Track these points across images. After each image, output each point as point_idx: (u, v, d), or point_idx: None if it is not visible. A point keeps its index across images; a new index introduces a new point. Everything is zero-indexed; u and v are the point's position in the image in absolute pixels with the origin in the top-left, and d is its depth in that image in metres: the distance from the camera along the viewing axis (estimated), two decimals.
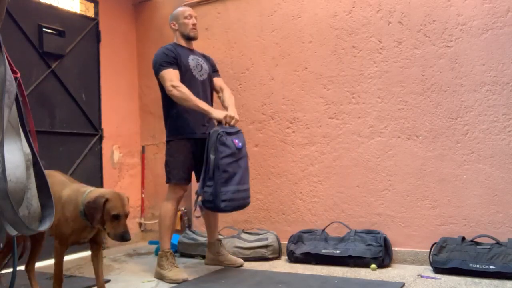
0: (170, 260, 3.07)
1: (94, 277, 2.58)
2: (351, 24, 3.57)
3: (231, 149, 2.98)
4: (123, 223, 2.32)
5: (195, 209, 3.14)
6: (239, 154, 3.03)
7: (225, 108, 3.25)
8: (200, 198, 3.02)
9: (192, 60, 3.26)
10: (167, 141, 3.24)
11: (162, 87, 3.18)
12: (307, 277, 2.97)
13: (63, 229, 2.39)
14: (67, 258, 3.71)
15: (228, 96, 3.34)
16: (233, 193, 2.96)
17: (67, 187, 2.46)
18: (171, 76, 3.09)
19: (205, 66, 3.35)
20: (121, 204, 2.32)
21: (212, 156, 2.96)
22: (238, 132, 3.12)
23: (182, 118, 3.17)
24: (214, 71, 3.46)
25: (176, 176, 3.16)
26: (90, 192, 2.39)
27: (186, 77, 3.17)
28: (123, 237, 2.29)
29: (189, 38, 3.33)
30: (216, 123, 3.14)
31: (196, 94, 3.14)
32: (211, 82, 3.37)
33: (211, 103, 3.35)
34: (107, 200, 2.30)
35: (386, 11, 3.45)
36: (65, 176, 2.68)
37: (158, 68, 3.14)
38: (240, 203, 3.06)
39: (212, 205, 2.97)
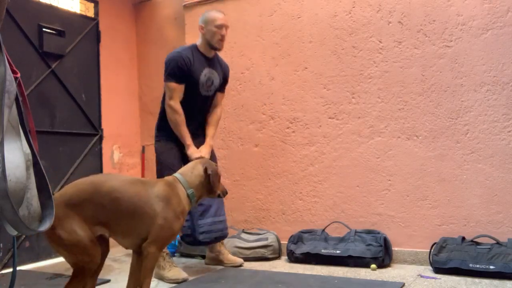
0: (167, 260, 3.07)
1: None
2: (351, 24, 3.57)
3: None
4: (221, 183, 2.54)
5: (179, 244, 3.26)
6: None
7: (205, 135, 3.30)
8: (180, 233, 3.11)
9: (204, 76, 3.19)
10: (156, 141, 3.27)
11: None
12: (307, 277, 2.97)
13: (174, 227, 2.19)
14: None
15: (213, 121, 3.34)
16: (210, 225, 3.12)
17: (147, 186, 2.22)
18: (173, 93, 3.10)
19: (216, 81, 3.29)
20: (216, 165, 2.51)
21: None
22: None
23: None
24: (222, 85, 3.40)
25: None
26: (189, 173, 2.36)
27: (191, 92, 3.17)
28: (227, 192, 2.59)
29: (212, 48, 3.24)
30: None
31: (193, 109, 3.19)
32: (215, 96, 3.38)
33: (206, 116, 3.36)
34: (211, 165, 2.43)
35: (386, 11, 3.45)
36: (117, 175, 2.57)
37: (166, 76, 3.12)
38: (218, 234, 3.20)
39: (191, 239, 3.13)
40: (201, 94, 3.22)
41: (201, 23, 3.21)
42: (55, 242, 1.98)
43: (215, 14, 3.22)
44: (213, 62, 3.29)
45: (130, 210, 2.08)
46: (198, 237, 3.08)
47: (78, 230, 1.96)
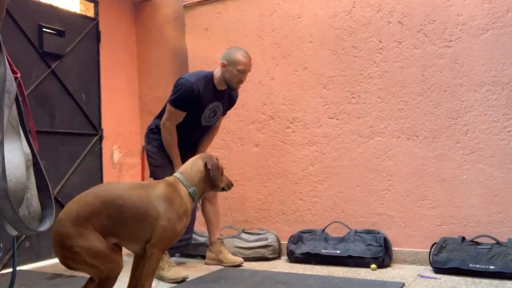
0: (166, 260, 3.07)
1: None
2: (351, 24, 3.57)
3: None
4: (225, 175, 2.51)
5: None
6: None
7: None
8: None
9: (208, 110, 3.21)
10: (146, 149, 3.31)
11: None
12: (307, 277, 2.97)
13: (177, 228, 2.18)
14: None
15: (206, 141, 3.41)
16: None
17: (147, 188, 2.20)
18: (172, 117, 3.13)
19: (219, 113, 3.32)
20: (217, 158, 2.47)
21: None
22: None
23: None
24: (225, 111, 3.42)
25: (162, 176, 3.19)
26: (189, 170, 2.34)
27: (191, 120, 3.19)
28: (232, 184, 2.54)
29: (228, 87, 3.22)
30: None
31: (190, 134, 3.25)
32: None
33: (196, 141, 3.40)
34: (211, 159, 2.40)
35: (386, 11, 3.45)
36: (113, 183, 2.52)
37: (171, 100, 3.12)
38: (179, 250, 3.51)
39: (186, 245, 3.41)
40: (201, 124, 3.26)
41: (224, 61, 3.15)
42: (76, 261, 1.96)
43: (241, 57, 3.13)
44: (223, 94, 3.27)
45: (135, 216, 2.08)
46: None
47: (95, 242, 1.95)
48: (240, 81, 3.19)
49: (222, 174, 2.47)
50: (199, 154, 2.48)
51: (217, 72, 3.19)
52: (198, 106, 3.14)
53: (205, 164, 2.35)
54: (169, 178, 2.31)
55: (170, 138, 3.16)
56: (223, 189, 2.49)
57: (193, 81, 3.09)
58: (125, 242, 2.12)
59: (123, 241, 2.10)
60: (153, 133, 3.27)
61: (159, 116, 3.27)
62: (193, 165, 2.37)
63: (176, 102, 3.10)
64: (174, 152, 3.18)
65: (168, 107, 3.14)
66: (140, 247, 2.15)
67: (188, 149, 3.31)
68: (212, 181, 2.36)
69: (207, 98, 3.15)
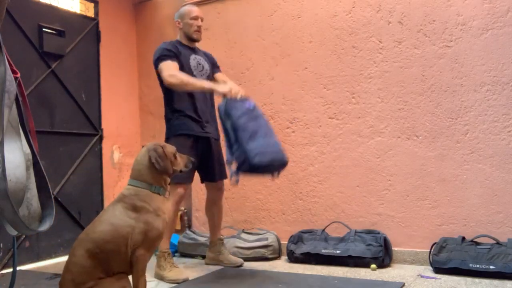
0: (168, 260, 3.07)
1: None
2: (351, 24, 3.57)
3: (243, 109, 2.87)
4: (180, 155, 2.41)
5: (231, 179, 2.93)
6: (253, 113, 2.90)
7: None
8: (233, 167, 2.85)
9: (193, 60, 3.26)
10: (166, 139, 3.22)
11: (162, 84, 3.17)
12: (307, 277, 2.97)
13: (158, 226, 2.16)
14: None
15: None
16: (263, 146, 2.76)
17: (117, 203, 2.18)
18: (169, 67, 3.07)
19: (206, 66, 3.34)
20: (163, 145, 2.33)
21: (228, 124, 2.86)
22: (246, 99, 2.98)
23: (181, 117, 3.16)
24: (215, 67, 3.45)
25: (177, 175, 3.14)
26: (137, 171, 2.24)
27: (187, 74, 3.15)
28: (191, 161, 2.45)
29: (191, 40, 3.32)
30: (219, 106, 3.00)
31: (198, 94, 3.17)
32: (212, 81, 3.36)
33: (212, 104, 3.34)
34: (155, 150, 2.26)
35: (386, 11, 3.45)
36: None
37: (156, 60, 3.11)
38: (274, 156, 2.82)
39: (246, 166, 2.76)
40: (197, 77, 3.19)
41: (177, 19, 3.32)
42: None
43: (189, 7, 3.35)
44: (197, 50, 3.37)
45: (116, 248, 2.05)
46: (253, 160, 2.70)
47: None
48: (198, 29, 3.29)
49: (175, 157, 2.35)
50: (145, 147, 2.32)
51: (178, 35, 3.35)
52: (182, 58, 3.16)
53: (149, 158, 2.24)
54: (123, 191, 2.22)
55: (183, 77, 3.01)
56: (180, 171, 2.40)
57: (163, 43, 3.23)
58: (125, 269, 2.13)
59: (123, 271, 2.12)
60: (167, 120, 3.23)
61: (167, 103, 3.22)
62: (140, 163, 2.25)
63: (160, 57, 3.10)
64: (196, 80, 3.07)
65: (160, 67, 3.08)
66: None
67: (205, 109, 3.23)
68: (163, 171, 2.26)
69: (183, 51, 3.22)
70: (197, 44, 3.42)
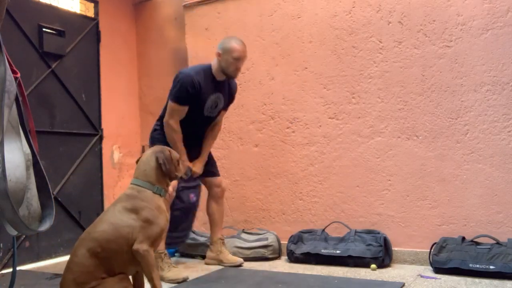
0: (166, 260, 3.06)
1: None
2: (351, 24, 3.57)
3: (185, 203, 3.34)
4: (181, 162, 2.54)
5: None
6: (191, 208, 3.44)
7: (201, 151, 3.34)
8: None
9: (210, 101, 3.21)
10: (151, 140, 3.27)
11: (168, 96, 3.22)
12: (307, 277, 2.97)
13: (160, 222, 2.20)
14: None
15: (210, 136, 3.39)
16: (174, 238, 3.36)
17: (118, 203, 2.22)
18: (174, 113, 3.11)
19: (221, 105, 3.31)
20: (169, 150, 2.41)
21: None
22: (196, 187, 3.44)
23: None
24: (227, 105, 3.41)
25: None
26: (143, 171, 2.29)
27: (194, 113, 3.17)
28: (190, 170, 2.65)
29: (226, 75, 3.22)
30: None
31: (194, 127, 3.23)
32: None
33: (202, 136, 3.40)
34: (163, 152, 2.35)
35: (386, 11, 3.45)
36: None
37: (172, 96, 3.12)
38: (176, 245, 3.61)
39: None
40: (204, 115, 3.25)
41: (219, 50, 3.18)
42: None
43: (235, 44, 3.17)
44: (223, 85, 3.28)
45: (118, 248, 2.07)
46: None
47: None
48: (237, 69, 3.21)
49: (178, 164, 2.42)
50: (151, 149, 2.40)
51: (214, 63, 3.21)
52: (200, 98, 3.13)
53: (157, 159, 2.30)
54: (125, 191, 2.27)
55: (175, 135, 3.13)
56: (181, 178, 2.53)
57: (192, 74, 3.10)
58: (126, 269, 2.14)
59: (124, 271, 2.13)
60: (158, 134, 3.25)
61: (162, 117, 3.24)
62: (146, 164, 2.31)
63: (177, 97, 3.09)
64: (181, 148, 3.13)
65: (170, 104, 3.12)
66: (136, 268, 2.19)
67: (195, 144, 3.30)
68: (168, 173, 2.33)
69: (206, 89, 3.15)
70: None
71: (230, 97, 3.41)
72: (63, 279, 2.03)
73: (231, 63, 3.15)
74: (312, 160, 3.70)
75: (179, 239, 3.48)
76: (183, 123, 3.17)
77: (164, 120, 3.16)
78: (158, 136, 3.23)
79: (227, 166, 4.00)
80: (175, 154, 2.41)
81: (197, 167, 3.25)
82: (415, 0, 3.35)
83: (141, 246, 2.09)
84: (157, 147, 2.40)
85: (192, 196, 3.38)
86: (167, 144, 3.04)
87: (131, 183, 2.28)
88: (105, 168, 4.28)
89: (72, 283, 1.99)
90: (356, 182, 3.53)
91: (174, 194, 3.22)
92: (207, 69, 3.20)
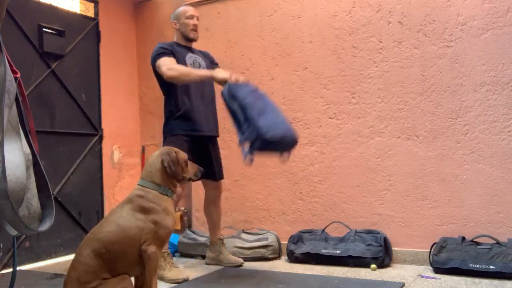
0: (168, 260, 3.07)
1: None
2: (351, 24, 3.57)
3: (247, 89, 2.85)
4: (191, 163, 2.44)
5: (244, 160, 2.78)
6: (257, 93, 2.89)
7: None
8: (245, 147, 2.75)
9: (189, 58, 3.26)
10: (163, 138, 3.24)
11: (161, 83, 3.20)
12: (307, 277, 2.97)
13: (167, 223, 2.19)
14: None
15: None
16: (273, 121, 2.71)
17: (125, 204, 2.20)
18: (167, 62, 3.07)
19: (203, 63, 3.33)
20: (176, 151, 2.36)
21: (234, 105, 2.80)
22: (247, 83, 2.99)
23: (178, 117, 3.18)
24: (213, 64, 3.44)
25: None
26: (149, 172, 2.27)
27: None
28: (201, 171, 2.47)
29: (188, 39, 3.32)
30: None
31: (195, 92, 3.18)
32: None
33: (212, 100, 3.35)
34: (168, 154, 2.30)
35: (386, 11, 3.45)
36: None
37: (154, 59, 3.13)
38: (285, 132, 2.74)
39: (259, 142, 2.66)
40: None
41: (173, 20, 3.34)
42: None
43: (184, 7, 3.38)
44: (193, 50, 3.38)
45: (123, 250, 2.07)
46: (265, 134, 2.62)
47: None
48: (194, 27, 3.31)
49: (186, 165, 2.38)
50: (159, 150, 2.37)
51: (175, 35, 3.36)
52: (178, 56, 3.17)
53: (162, 162, 2.28)
54: (132, 191, 2.25)
55: (182, 69, 3.05)
56: (190, 179, 2.45)
57: (159, 43, 3.24)
58: (130, 270, 2.14)
59: (127, 272, 2.13)
60: (165, 119, 3.25)
61: (165, 103, 3.24)
62: (152, 165, 2.29)
63: (160, 55, 3.11)
64: (197, 71, 3.08)
65: (157, 63, 3.09)
66: (140, 269, 2.18)
67: (207, 120, 3.26)
68: (173, 175, 2.30)
69: (180, 51, 3.23)
70: (196, 45, 3.42)
71: (210, 60, 3.43)
72: (67, 277, 2.04)
73: (186, 23, 3.28)
74: (312, 160, 3.69)
75: (281, 125, 2.79)
76: (186, 97, 3.16)
77: (163, 72, 3.04)
78: (167, 128, 3.24)
79: (227, 166, 3.99)
80: (182, 155, 2.37)
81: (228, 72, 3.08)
82: (415, 0, 3.35)
83: (149, 248, 2.10)
84: (164, 149, 2.37)
85: (250, 86, 2.95)
86: (175, 141, 3.01)
87: (138, 184, 2.28)
88: (105, 168, 4.28)
89: (76, 281, 2.00)
90: (356, 182, 3.53)
91: (182, 194, 3.21)
92: (172, 42, 3.32)
